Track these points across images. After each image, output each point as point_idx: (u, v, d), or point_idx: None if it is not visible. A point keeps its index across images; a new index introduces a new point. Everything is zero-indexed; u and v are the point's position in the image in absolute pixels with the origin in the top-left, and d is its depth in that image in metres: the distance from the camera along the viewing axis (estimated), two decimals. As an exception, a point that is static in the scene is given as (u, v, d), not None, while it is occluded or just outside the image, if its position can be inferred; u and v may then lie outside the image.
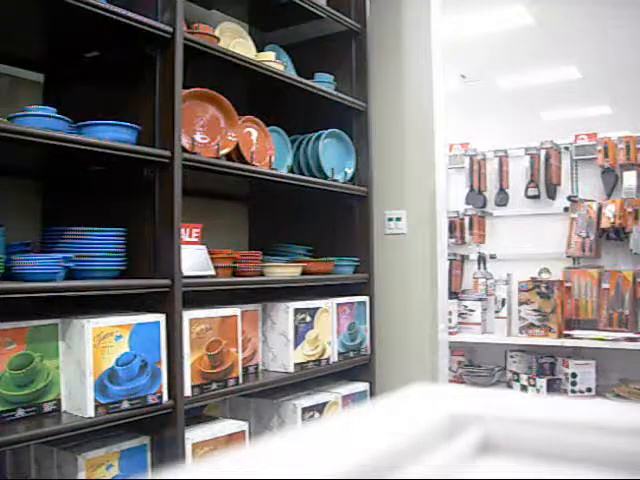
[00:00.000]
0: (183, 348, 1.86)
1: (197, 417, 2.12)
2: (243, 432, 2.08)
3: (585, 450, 0.35)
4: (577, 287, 3.28)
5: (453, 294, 3.95)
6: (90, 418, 1.61)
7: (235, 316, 2.07)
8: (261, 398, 2.36)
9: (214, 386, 1.96)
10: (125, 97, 1.91)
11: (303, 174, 2.51)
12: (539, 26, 3.26)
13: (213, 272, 2.05)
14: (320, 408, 2.39)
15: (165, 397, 1.79)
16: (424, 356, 2.87)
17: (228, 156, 2.17)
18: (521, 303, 3.60)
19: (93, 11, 1.64)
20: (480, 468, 0.35)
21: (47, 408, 1.62)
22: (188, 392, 1.88)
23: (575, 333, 3.18)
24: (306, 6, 2.47)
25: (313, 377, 2.42)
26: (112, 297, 1.75)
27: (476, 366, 4.00)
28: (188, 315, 1.89)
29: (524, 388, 3.28)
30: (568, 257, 3.37)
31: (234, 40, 2.34)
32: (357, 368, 2.63)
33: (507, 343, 3.72)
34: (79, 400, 1.63)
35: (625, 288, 3.13)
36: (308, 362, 2.35)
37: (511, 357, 3.75)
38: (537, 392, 3.23)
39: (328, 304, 2.46)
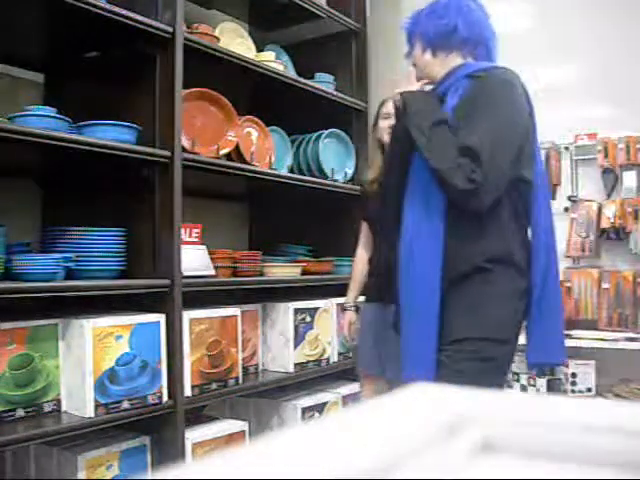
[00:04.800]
0: (183, 348, 1.86)
1: (197, 417, 2.12)
2: (243, 432, 2.08)
3: (585, 450, 0.35)
4: (577, 287, 3.28)
5: (453, 294, 3.93)
6: (90, 418, 1.61)
7: (235, 316, 2.07)
8: (261, 398, 2.36)
9: (214, 386, 1.96)
10: (125, 97, 1.91)
11: (303, 174, 2.51)
12: (539, 26, 3.26)
13: (213, 272, 2.04)
14: (320, 408, 2.39)
15: (165, 397, 1.79)
16: (424, 356, 2.86)
17: (228, 156, 2.17)
18: (521, 303, 3.60)
19: (93, 11, 1.64)
20: (480, 468, 0.35)
21: (47, 408, 1.62)
22: (188, 392, 1.88)
23: (575, 333, 3.18)
24: (306, 6, 2.47)
25: (313, 377, 2.42)
26: (112, 297, 1.75)
27: (476, 366, 3.98)
28: (188, 315, 1.89)
29: (524, 388, 3.28)
30: (568, 257, 3.37)
31: (234, 40, 2.34)
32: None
33: (507, 343, 3.71)
34: (79, 400, 1.63)
35: (625, 288, 3.13)
36: (308, 362, 2.34)
37: (511, 357, 3.74)
38: (537, 392, 3.23)
39: (328, 304, 2.46)
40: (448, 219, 1.47)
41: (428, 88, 1.62)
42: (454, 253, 1.46)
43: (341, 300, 2.50)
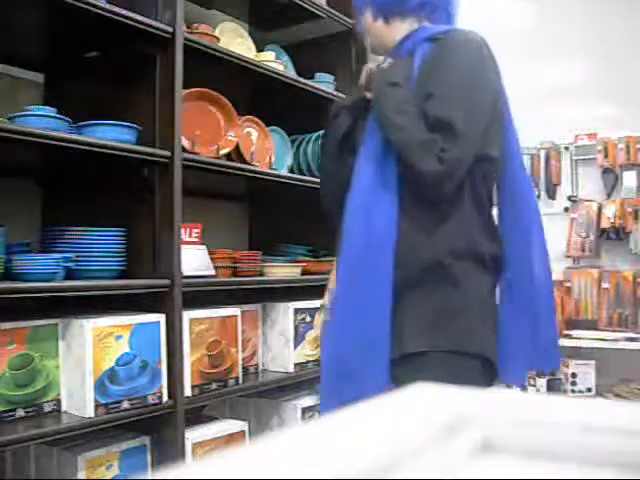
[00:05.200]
0: (183, 348, 1.86)
1: (197, 417, 2.12)
2: (243, 432, 2.08)
3: (585, 450, 0.35)
4: (577, 287, 3.28)
5: (453, 294, 3.92)
6: (90, 418, 1.61)
7: (235, 316, 2.07)
8: (261, 398, 2.35)
9: (214, 386, 1.96)
10: (125, 97, 1.91)
11: (303, 174, 2.51)
12: (539, 26, 3.26)
13: (213, 272, 2.05)
14: (320, 408, 2.39)
15: (165, 397, 1.79)
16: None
17: (228, 156, 2.17)
18: (521, 303, 3.59)
19: (93, 11, 1.64)
20: (480, 468, 0.35)
21: (47, 408, 1.62)
22: (188, 392, 1.88)
23: (575, 333, 3.18)
24: (306, 6, 2.47)
25: (313, 377, 2.42)
26: (112, 297, 1.75)
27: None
28: (188, 315, 1.89)
29: (524, 388, 3.28)
30: (568, 257, 3.37)
31: (234, 40, 2.34)
32: (357, 368, 2.62)
33: (507, 343, 3.71)
34: (79, 400, 1.63)
35: (625, 288, 3.13)
36: (308, 362, 2.34)
37: (511, 357, 3.73)
38: (537, 392, 3.22)
39: (328, 304, 2.46)
40: (404, 205, 1.23)
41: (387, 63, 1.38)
42: (410, 245, 1.23)
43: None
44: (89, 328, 1.62)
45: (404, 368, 1.20)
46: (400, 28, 1.39)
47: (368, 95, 1.33)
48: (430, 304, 1.23)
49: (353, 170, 1.29)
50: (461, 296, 1.24)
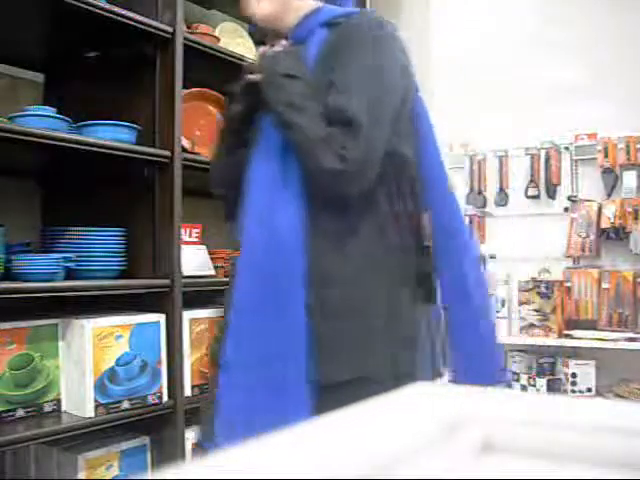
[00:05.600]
0: (183, 348, 1.86)
1: (197, 417, 2.12)
2: (243, 432, 2.08)
3: (585, 450, 0.35)
4: (577, 287, 3.28)
5: (453, 294, 3.91)
6: (90, 418, 1.61)
7: (235, 316, 2.07)
8: (261, 398, 2.35)
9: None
10: (125, 97, 1.91)
11: (303, 174, 2.51)
12: (539, 26, 3.26)
13: (213, 272, 2.05)
14: (320, 408, 2.38)
15: (165, 397, 1.79)
16: (424, 356, 2.85)
17: (228, 156, 2.17)
18: (521, 303, 3.60)
19: (93, 11, 1.64)
20: (480, 468, 0.35)
21: (47, 408, 1.62)
22: (188, 392, 1.88)
23: (575, 333, 3.18)
24: (306, 6, 2.47)
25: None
26: (112, 297, 1.75)
27: (476, 366, 3.97)
28: (188, 315, 1.89)
29: (524, 388, 3.28)
30: (568, 257, 3.37)
31: (234, 40, 2.34)
32: (357, 368, 2.62)
33: (507, 343, 3.72)
34: (79, 400, 1.63)
35: (625, 288, 3.13)
36: (308, 362, 2.34)
37: (511, 357, 3.74)
38: (537, 392, 3.22)
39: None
40: (310, 210, 1.08)
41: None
42: (320, 259, 1.07)
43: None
44: (89, 328, 1.62)
45: (322, 399, 1.02)
46: (308, 5, 1.22)
47: (255, 77, 1.18)
48: (346, 325, 1.08)
49: (249, 159, 1.14)
50: (381, 316, 1.10)
